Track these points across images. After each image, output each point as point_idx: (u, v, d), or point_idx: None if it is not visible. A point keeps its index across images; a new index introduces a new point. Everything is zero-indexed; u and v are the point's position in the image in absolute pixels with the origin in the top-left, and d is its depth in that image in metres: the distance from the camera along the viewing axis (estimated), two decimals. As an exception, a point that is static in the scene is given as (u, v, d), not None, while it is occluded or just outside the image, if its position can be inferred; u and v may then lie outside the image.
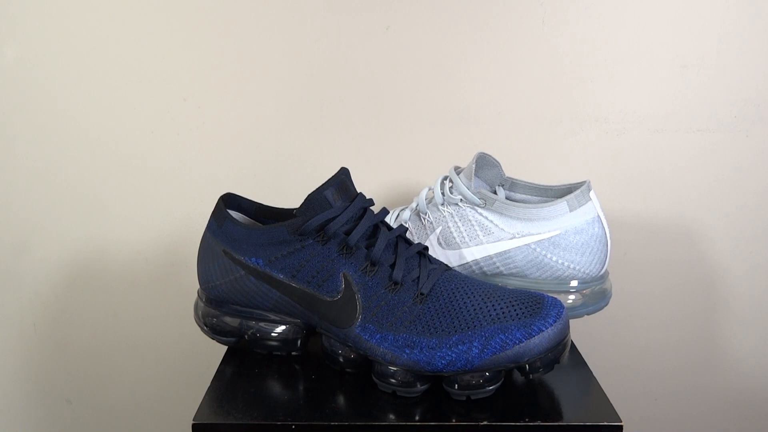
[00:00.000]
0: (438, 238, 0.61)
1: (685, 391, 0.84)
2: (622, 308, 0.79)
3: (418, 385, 0.47)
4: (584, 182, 0.59)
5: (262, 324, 0.54)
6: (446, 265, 0.52)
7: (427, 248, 0.52)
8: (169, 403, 0.85)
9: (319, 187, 0.50)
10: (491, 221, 0.59)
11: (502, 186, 0.64)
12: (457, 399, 0.47)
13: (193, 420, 0.46)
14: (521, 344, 0.45)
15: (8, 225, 0.80)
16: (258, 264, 0.51)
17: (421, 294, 0.48)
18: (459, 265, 0.60)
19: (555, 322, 0.46)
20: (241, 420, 0.46)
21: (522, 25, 0.74)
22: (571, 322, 0.51)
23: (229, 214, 0.54)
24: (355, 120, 0.77)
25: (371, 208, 0.52)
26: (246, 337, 0.54)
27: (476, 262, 0.59)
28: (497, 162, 0.63)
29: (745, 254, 0.80)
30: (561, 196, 0.61)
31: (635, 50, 0.74)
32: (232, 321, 0.54)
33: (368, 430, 0.45)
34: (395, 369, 0.47)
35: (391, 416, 0.46)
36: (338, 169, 0.51)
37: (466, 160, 0.65)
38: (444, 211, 0.61)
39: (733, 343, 0.83)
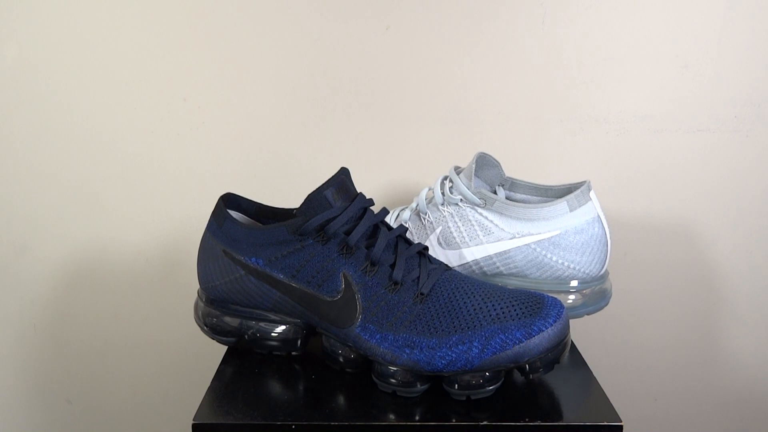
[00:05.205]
0: (438, 238, 0.61)
1: (685, 391, 0.84)
2: (622, 308, 0.79)
3: (418, 385, 0.47)
4: (584, 182, 0.59)
5: (262, 324, 0.54)
6: (446, 265, 0.52)
7: (427, 248, 0.52)
8: (169, 403, 0.85)
9: (319, 187, 0.50)
10: (491, 221, 0.59)
11: (502, 186, 0.64)
12: (457, 399, 0.47)
13: (193, 420, 0.46)
14: (521, 344, 0.45)
15: (8, 225, 0.80)
16: (258, 264, 0.51)
17: (421, 294, 0.48)
18: (459, 265, 0.60)
19: (555, 322, 0.46)
20: (241, 420, 0.46)
21: (522, 25, 0.74)
22: (571, 322, 0.51)
23: (229, 214, 0.54)
24: (355, 120, 0.77)
25: (371, 208, 0.52)
26: (246, 337, 0.54)
27: (476, 262, 0.59)
28: (497, 162, 0.63)
29: (745, 254, 0.80)
30: (561, 196, 0.61)
31: (635, 50, 0.74)
32: (232, 321, 0.54)
33: (368, 430, 0.45)
34: (395, 369, 0.47)
35: (391, 416, 0.46)
36: (338, 169, 0.51)
37: (466, 160, 0.65)
38: (444, 211, 0.61)
39: (733, 342, 0.83)
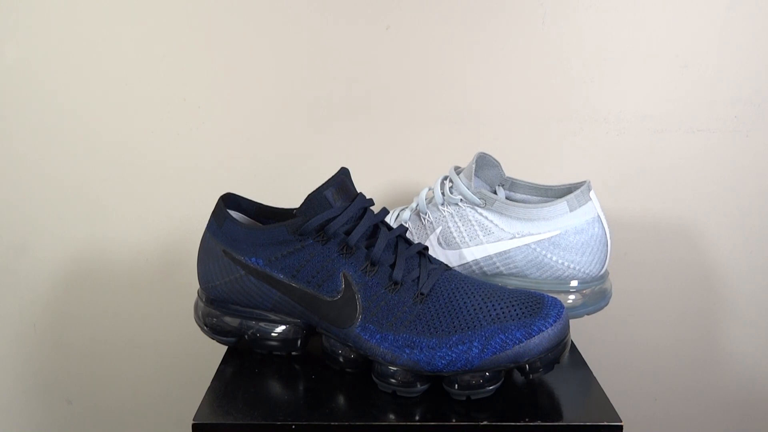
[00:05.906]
0: (438, 238, 0.61)
1: (685, 391, 0.84)
2: (622, 308, 0.79)
3: (418, 385, 0.47)
4: (584, 182, 0.59)
5: (262, 324, 0.54)
6: (446, 265, 0.52)
7: (427, 248, 0.52)
8: (169, 403, 0.85)
9: (319, 187, 0.50)
10: (491, 221, 0.59)
11: (502, 186, 0.64)
12: (457, 399, 0.47)
13: (193, 420, 0.46)
14: (521, 344, 0.45)
15: (8, 225, 0.80)
16: (258, 264, 0.51)
17: (421, 294, 0.48)
18: (459, 265, 0.60)
19: (555, 322, 0.46)
20: (241, 420, 0.46)
21: (522, 25, 0.74)
22: (571, 322, 0.51)
23: (229, 214, 0.54)
24: (355, 120, 0.77)
25: (371, 208, 0.52)
26: (246, 337, 0.54)
27: (476, 262, 0.59)
28: (497, 162, 0.63)
29: (745, 254, 0.80)
30: (561, 196, 0.61)
31: (635, 50, 0.74)
32: (232, 321, 0.54)
33: (368, 430, 0.45)
34: (395, 369, 0.47)
35: (391, 416, 0.46)
36: (338, 169, 0.51)
37: (466, 160, 0.65)
38: (444, 211, 0.61)
39: (732, 342, 0.83)
